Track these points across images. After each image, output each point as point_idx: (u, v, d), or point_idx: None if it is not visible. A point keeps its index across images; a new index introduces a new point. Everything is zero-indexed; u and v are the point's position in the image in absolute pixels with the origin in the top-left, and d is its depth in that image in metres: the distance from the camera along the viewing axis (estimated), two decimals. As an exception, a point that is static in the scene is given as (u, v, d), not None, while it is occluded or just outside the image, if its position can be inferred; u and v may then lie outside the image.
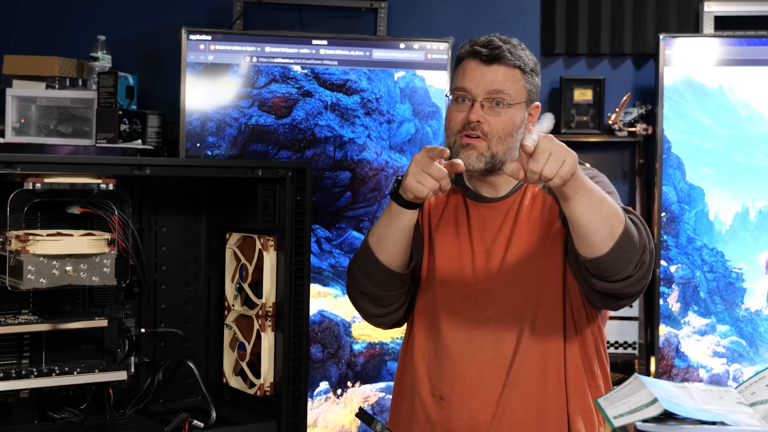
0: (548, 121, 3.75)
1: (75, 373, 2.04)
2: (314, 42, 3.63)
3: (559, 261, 1.98)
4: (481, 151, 1.96)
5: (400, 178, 1.91)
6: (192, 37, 3.57)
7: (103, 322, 2.07)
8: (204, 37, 3.59)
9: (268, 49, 3.62)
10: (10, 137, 3.60)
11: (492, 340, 1.99)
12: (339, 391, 3.62)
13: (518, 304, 1.99)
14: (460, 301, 2.03)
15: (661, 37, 3.60)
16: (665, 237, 3.59)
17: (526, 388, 1.97)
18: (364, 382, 3.64)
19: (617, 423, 1.22)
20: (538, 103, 2.06)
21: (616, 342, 3.70)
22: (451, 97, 2.03)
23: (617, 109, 3.74)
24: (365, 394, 3.63)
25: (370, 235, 2.02)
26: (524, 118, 2.02)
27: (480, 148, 1.96)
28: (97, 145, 3.52)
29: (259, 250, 2.17)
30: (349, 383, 3.63)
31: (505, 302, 2.00)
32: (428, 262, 2.08)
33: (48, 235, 1.94)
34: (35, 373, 2.00)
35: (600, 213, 1.77)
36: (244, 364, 2.24)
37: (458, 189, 2.11)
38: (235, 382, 2.27)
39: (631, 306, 3.55)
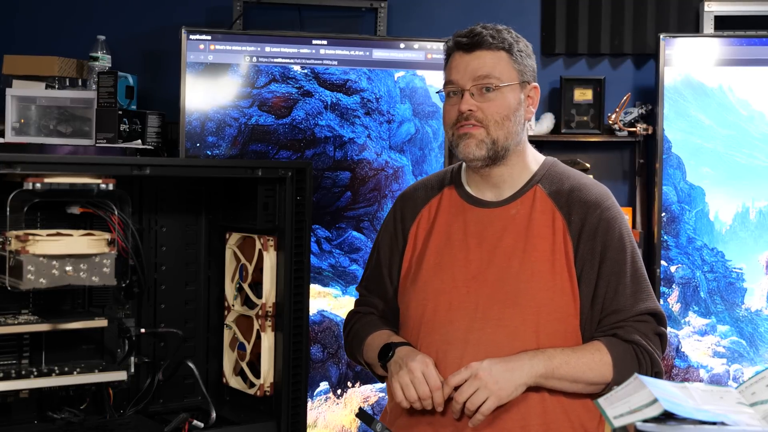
0: (548, 121, 3.75)
1: (75, 373, 2.03)
2: (314, 42, 3.63)
3: (566, 282, 1.91)
4: (480, 138, 1.93)
5: (392, 353, 1.93)
6: (192, 37, 3.57)
7: (103, 322, 2.07)
8: (204, 37, 3.59)
9: (268, 49, 3.62)
10: (10, 137, 3.60)
11: (483, 356, 1.86)
12: (339, 391, 3.62)
13: (514, 320, 1.89)
14: (451, 312, 1.93)
15: (661, 37, 3.60)
16: (665, 237, 3.59)
17: (520, 414, 1.87)
18: (364, 382, 3.64)
19: (617, 423, 1.22)
20: (535, 84, 2.01)
21: (616, 342, 3.69)
22: (443, 94, 2.01)
23: (617, 109, 3.74)
24: (365, 394, 3.63)
25: (359, 352, 2.08)
26: (520, 100, 1.97)
27: (478, 135, 1.93)
28: (97, 145, 3.52)
29: (259, 250, 2.17)
30: (349, 383, 3.63)
31: (499, 318, 1.90)
32: (414, 273, 2.01)
33: (48, 235, 1.94)
34: (35, 373, 2.00)
35: (579, 384, 1.88)
36: (244, 364, 2.23)
37: (455, 194, 2.05)
38: (235, 382, 2.27)
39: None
